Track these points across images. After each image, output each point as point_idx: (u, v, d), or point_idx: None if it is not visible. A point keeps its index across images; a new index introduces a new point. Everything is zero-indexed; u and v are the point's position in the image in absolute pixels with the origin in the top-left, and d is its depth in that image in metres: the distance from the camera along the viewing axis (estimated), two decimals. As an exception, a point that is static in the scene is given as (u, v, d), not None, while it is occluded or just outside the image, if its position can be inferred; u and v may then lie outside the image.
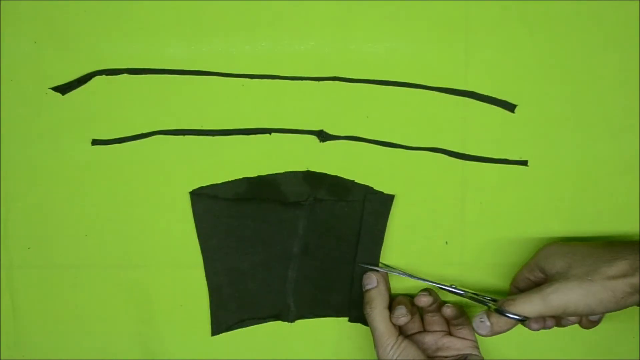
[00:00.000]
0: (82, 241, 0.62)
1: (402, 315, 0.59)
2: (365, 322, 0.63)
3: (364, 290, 0.61)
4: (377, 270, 0.61)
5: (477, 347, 0.61)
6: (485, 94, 0.61)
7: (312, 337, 0.64)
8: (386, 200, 0.62)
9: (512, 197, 0.62)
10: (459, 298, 0.61)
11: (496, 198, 0.62)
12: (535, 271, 0.58)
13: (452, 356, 0.60)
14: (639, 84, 0.61)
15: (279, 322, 0.64)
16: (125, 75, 0.60)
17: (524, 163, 0.62)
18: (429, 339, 0.62)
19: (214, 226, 0.62)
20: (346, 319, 0.64)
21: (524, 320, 0.54)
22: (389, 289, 0.61)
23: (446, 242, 0.62)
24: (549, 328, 0.57)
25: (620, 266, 0.53)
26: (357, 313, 0.63)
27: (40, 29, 0.60)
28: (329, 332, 0.64)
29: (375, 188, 0.62)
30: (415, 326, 0.62)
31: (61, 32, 0.60)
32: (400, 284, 0.62)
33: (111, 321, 0.63)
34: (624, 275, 0.53)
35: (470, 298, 0.60)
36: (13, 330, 0.63)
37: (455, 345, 0.61)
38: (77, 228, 0.62)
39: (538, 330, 0.56)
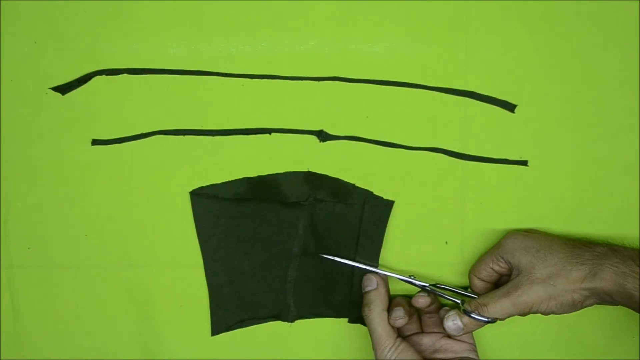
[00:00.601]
0: (82, 241, 0.62)
1: (399, 317, 0.59)
2: (364, 323, 0.63)
3: (363, 291, 0.61)
4: (377, 273, 0.61)
5: (475, 350, 0.61)
6: (485, 94, 0.61)
7: (312, 337, 0.64)
8: (386, 206, 0.62)
9: (512, 197, 0.62)
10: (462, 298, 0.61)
11: (496, 198, 0.62)
12: (500, 262, 0.59)
13: (449, 359, 0.61)
14: (639, 84, 0.61)
15: (279, 322, 0.64)
16: (125, 75, 0.60)
17: (524, 163, 0.62)
18: (426, 341, 0.62)
19: (214, 226, 0.62)
20: (346, 319, 0.64)
21: (493, 322, 0.57)
22: (388, 291, 0.61)
23: (446, 242, 0.62)
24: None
25: (580, 271, 0.55)
26: (357, 314, 0.63)
27: (40, 29, 0.60)
28: (329, 332, 0.64)
29: (375, 190, 0.62)
30: (413, 327, 0.62)
31: (61, 32, 0.60)
32: (400, 285, 0.62)
33: (111, 321, 0.63)
34: (582, 280, 0.55)
35: (432, 291, 0.61)
36: (13, 330, 0.63)
37: (453, 347, 0.61)
38: (77, 228, 0.62)
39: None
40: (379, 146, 0.61)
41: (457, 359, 0.60)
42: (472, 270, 0.61)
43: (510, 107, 0.61)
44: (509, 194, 0.62)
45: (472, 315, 0.57)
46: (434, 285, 0.61)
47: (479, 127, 0.61)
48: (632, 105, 0.61)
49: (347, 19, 0.60)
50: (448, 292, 0.61)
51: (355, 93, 0.61)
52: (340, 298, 0.63)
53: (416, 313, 0.62)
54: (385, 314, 0.59)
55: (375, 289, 0.60)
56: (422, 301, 0.60)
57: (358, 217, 0.62)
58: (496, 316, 0.57)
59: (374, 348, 0.59)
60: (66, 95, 0.61)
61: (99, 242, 0.62)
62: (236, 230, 0.62)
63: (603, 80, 0.61)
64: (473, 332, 0.61)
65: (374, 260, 0.62)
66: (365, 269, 0.62)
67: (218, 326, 0.64)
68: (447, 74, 0.61)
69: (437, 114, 0.61)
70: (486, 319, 0.57)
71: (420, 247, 0.63)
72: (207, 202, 0.62)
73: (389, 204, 0.62)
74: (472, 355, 0.61)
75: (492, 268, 0.59)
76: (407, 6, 0.60)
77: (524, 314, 0.57)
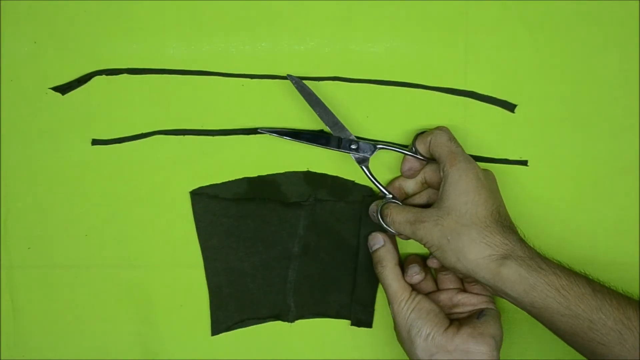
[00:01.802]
0: (82, 241, 0.62)
1: (415, 273, 0.58)
2: (368, 325, 0.63)
3: (371, 251, 0.61)
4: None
5: (493, 302, 0.60)
6: (485, 94, 0.61)
7: (312, 337, 0.64)
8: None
9: (512, 197, 0.62)
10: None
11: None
12: (436, 173, 0.59)
13: (468, 312, 0.60)
14: (639, 84, 0.61)
15: (279, 322, 0.64)
16: (125, 75, 0.60)
17: (524, 163, 0.62)
18: (443, 297, 0.61)
19: (214, 226, 0.62)
20: (346, 319, 0.64)
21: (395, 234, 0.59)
22: (396, 247, 0.61)
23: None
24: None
25: (479, 250, 0.54)
26: (360, 316, 0.63)
27: (40, 29, 0.60)
28: (329, 333, 0.64)
29: (374, 190, 0.62)
30: (428, 286, 0.61)
31: (61, 32, 0.60)
32: (410, 249, 0.62)
33: (111, 321, 0.63)
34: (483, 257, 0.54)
35: (367, 172, 0.60)
36: (13, 330, 0.63)
37: (471, 301, 0.60)
38: (77, 228, 0.62)
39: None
40: (379, 146, 0.61)
41: (476, 310, 0.60)
42: (416, 142, 0.59)
43: (510, 107, 0.61)
44: (509, 194, 0.62)
45: (381, 219, 0.58)
46: (378, 147, 0.60)
47: (479, 127, 0.61)
48: (632, 105, 0.61)
49: (347, 19, 0.60)
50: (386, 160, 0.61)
51: (355, 93, 0.61)
52: (341, 298, 0.63)
53: (430, 272, 0.62)
54: (399, 269, 0.59)
55: (383, 245, 0.60)
56: (436, 261, 0.59)
57: (358, 214, 0.62)
58: (395, 233, 0.58)
59: (390, 304, 0.58)
60: (66, 95, 0.61)
61: (99, 242, 0.62)
62: (236, 230, 0.62)
63: (603, 80, 0.61)
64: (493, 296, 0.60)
65: None
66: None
67: (218, 326, 0.64)
68: (447, 74, 0.61)
69: (437, 114, 0.61)
70: (389, 230, 0.58)
71: (420, 247, 0.62)
72: (207, 202, 0.62)
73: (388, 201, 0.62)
74: (490, 306, 0.60)
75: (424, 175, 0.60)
76: (407, 6, 0.60)
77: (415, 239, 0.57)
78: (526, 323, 0.63)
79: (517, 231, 0.56)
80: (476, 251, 0.54)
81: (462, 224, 0.54)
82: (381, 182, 0.60)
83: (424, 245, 0.56)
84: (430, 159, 0.59)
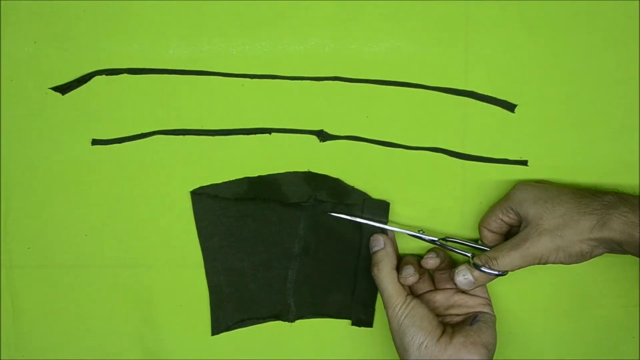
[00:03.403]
0: (82, 241, 0.62)
1: (409, 275, 0.58)
2: (368, 325, 0.63)
3: (371, 252, 0.61)
4: (386, 233, 0.61)
5: (490, 305, 0.60)
6: (485, 93, 0.61)
7: (312, 337, 0.64)
8: (383, 207, 0.62)
9: (512, 197, 0.62)
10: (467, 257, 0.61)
11: (496, 198, 0.62)
12: (509, 213, 0.58)
13: (464, 314, 0.60)
14: (639, 84, 0.61)
15: (279, 322, 0.64)
16: (125, 75, 0.60)
17: (524, 163, 0.62)
18: (440, 297, 0.61)
19: (215, 226, 0.62)
20: (346, 319, 0.64)
21: (503, 274, 0.57)
22: (396, 250, 0.61)
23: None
24: None
25: (589, 221, 0.54)
26: (360, 316, 0.63)
27: (40, 29, 0.60)
28: (329, 332, 0.64)
29: (375, 190, 0.62)
30: (425, 285, 0.62)
31: (61, 32, 0.60)
32: (408, 246, 0.62)
33: (111, 321, 0.63)
34: (590, 230, 0.54)
35: (442, 246, 0.60)
36: (13, 330, 0.63)
37: (467, 302, 0.60)
38: (77, 228, 0.62)
39: None
40: (379, 146, 0.61)
41: (472, 314, 0.60)
42: (482, 222, 0.60)
43: (510, 107, 0.61)
44: (509, 194, 0.62)
45: (482, 268, 0.56)
46: (444, 239, 0.61)
47: (479, 127, 0.61)
48: (632, 105, 0.61)
49: (347, 19, 0.60)
50: (458, 246, 0.61)
51: (355, 93, 0.61)
52: (341, 298, 0.63)
53: (427, 271, 0.62)
54: (395, 272, 0.59)
55: (382, 248, 0.60)
56: (431, 262, 0.59)
57: (359, 215, 0.62)
58: (506, 269, 0.56)
59: (385, 307, 0.58)
60: (66, 95, 0.61)
61: (99, 242, 0.62)
62: (236, 230, 0.62)
63: (603, 80, 0.61)
64: (487, 288, 0.60)
65: None
66: (374, 225, 0.61)
67: (218, 326, 0.64)
68: (447, 74, 0.61)
69: (437, 114, 0.61)
70: (496, 272, 0.56)
71: (420, 247, 0.62)
72: (207, 201, 0.62)
73: (386, 205, 0.62)
74: (486, 310, 0.60)
75: (501, 219, 0.59)
76: (407, 6, 0.60)
77: (533, 265, 0.56)
78: (524, 324, 0.63)
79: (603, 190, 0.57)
80: (584, 223, 0.54)
81: (559, 215, 0.55)
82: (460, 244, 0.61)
83: (545, 262, 0.56)
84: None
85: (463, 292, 0.61)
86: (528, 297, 0.63)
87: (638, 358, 0.64)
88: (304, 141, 0.61)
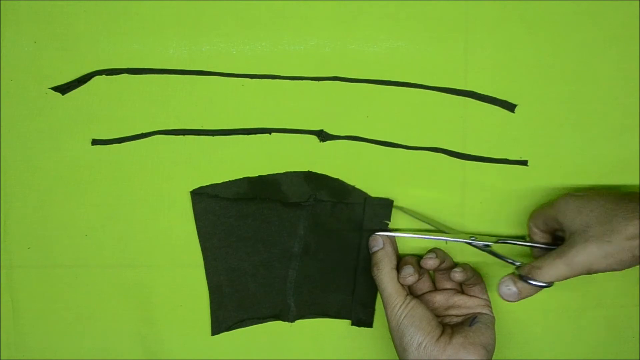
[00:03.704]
0: (82, 241, 0.62)
1: (409, 275, 0.58)
2: (369, 325, 0.63)
3: (370, 252, 0.61)
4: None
5: (489, 306, 0.60)
6: (485, 93, 0.61)
7: (312, 337, 0.64)
8: (386, 205, 0.62)
9: (512, 197, 0.62)
10: (468, 259, 0.60)
11: (496, 198, 0.62)
12: (553, 223, 0.57)
13: (463, 315, 0.60)
14: (639, 84, 0.61)
15: (279, 322, 0.64)
16: (125, 75, 0.60)
17: (524, 163, 0.62)
18: (439, 298, 0.61)
19: (215, 226, 0.62)
20: (346, 319, 0.64)
21: (549, 286, 0.55)
22: (396, 250, 0.61)
23: (446, 242, 0.62)
24: None
25: (637, 225, 0.52)
26: (360, 316, 0.63)
27: (40, 29, 0.60)
28: (329, 332, 0.64)
29: (375, 190, 0.62)
30: (425, 285, 0.62)
31: (61, 32, 0.60)
32: (409, 246, 0.62)
33: (111, 321, 0.63)
34: None
35: (490, 253, 0.59)
36: (13, 330, 0.63)
37: (467, 303, 0.60)
38: (77, 228, 0.62)
39: None
40: (379, 146, 0.61)
41: (471, 315, 0.60)
42: (531, 219, 0.59)
43: (510, 107, 0.61)
44: (509, 194, 0.62)
45: (527, 279, 0.55)
46: (496, 242, 0.60)
47: (479, 127, 0.61)
48: (632, 105, 0.61)
49: (347, 19, 0.60)
50: (505, 250, 0.60)
51: (355, 93, 0.61)
52: (341, 298, 0.63)
53: (427, 272, 0.62)
54: (395, 272, 0.59)
55: (382, 248, 0.60)
56: (431, 262, 0.59)
57: (359, 216, 0.62)
58: (551, 279, 0.54)
59: (385, 307, 0.58)
60: (66, 95, 0.61)
61: (99, 242, 0.62)
62: (237, 230, 0.62)
63: (603, 80, 0.61)
64: (487, 288, 0.60)
65: None
66: (423, 238, 0.61)
67: (218, 326, 0.64)
68: (447, 74, 0.61)
69: (437, 114, 0.61)
70: (542, 284, 0.54)
71: (420, 247, 0.62)
72: (207, 201, 0.62)
73: (389, 203, 0.62)
74: (485, 311, 0.60)
75: (546, 224, 0.58)
76: (407, 6, 0.60)
77: (581, 274, 0.54)
78: (524, 324, 0.63)
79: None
80: (633, 227, 0.52)
81: (606, 222, 0.53)
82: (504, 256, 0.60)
83: (595, 271, 0.54)
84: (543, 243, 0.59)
85: (462, 292, 0.61)
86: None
87: (638, 358, 0.64)
88: (304, 141, 0.61)
